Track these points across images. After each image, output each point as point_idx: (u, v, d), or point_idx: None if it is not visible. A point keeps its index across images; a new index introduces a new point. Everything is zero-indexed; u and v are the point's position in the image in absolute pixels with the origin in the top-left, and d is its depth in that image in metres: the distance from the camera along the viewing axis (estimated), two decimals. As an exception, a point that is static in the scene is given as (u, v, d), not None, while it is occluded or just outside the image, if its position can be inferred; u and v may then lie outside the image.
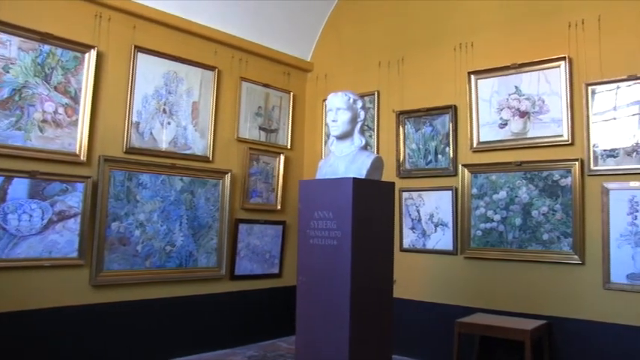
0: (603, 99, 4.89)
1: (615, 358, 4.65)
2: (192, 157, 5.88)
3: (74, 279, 4.95)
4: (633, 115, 4.74)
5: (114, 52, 5.29)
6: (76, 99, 4.97)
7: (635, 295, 4.62)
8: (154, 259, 5.51)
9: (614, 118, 4.83)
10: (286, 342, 6.37)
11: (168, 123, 5.71)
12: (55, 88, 4.86)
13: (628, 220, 4.69)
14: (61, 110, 4.89)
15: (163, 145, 5.65)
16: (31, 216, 4.68)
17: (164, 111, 5.67)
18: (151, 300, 5.47)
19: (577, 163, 4.96)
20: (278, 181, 6.76)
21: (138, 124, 5.45)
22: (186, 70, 5.86)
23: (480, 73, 5.62)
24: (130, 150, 5.37)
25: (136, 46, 5.42)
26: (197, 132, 5.95)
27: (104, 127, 5.20)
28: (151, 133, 5.56)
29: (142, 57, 5.48)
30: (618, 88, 4.82)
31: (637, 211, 4.65)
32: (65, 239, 4.86)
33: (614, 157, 4.81)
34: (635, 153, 4.71)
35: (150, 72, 5.55)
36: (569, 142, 5.04)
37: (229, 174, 6.16)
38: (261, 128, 6.67)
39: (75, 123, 4.96)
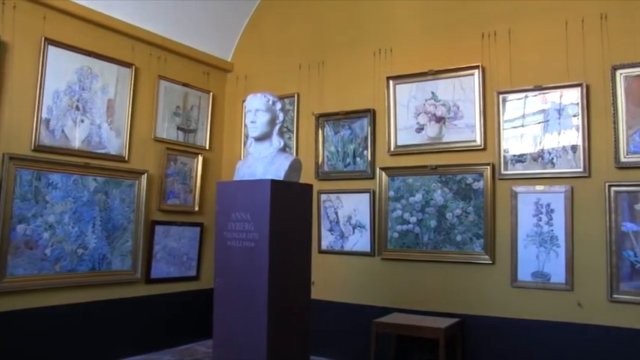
0: (513, 107, 5.13)
1: (523, 350, 4.91)
2: (106, 156, 5.66)
3: (-27, 285, 4.65)
4: (539, 123, 5.01)
5: (21, 43, 4.99)
6: (-23, 92, 4.68)
7: (539, 291, 4.91)
8: (65, 262, 5.25)
9: (523, 125, 5.08)
10: (204, 345, 6.27)
11: (82, 120, 5.47)
12: (-48, 80, 4.55)
13: (533, 222, 4.96)
14: (-42, 104, 4.58)
15: (76, 144, 5.41)
16: None
17: (77, 108, 5.42)
18: (61, 306, 5.21)
19: (489, 167, 5.18)
20: (196, 183, 6.63)
21: (48, 120, 5.18)
22: (102, 66, 5.64)
23: (398, 78, 5.75)
24: (39, 148, 5.09)
25: (46, 39, 5.15)
26: (112, 130, 5.74)
27: (9, 124, 4.90)
28: (63, 131, 5.30)
29: (53, 50, 5.21)
30: (526, 97, 5.08)
31: (542, 213, 4.92)
32: (-37, 243, 4.56)
33: (522, 162, 5.06)
34: (540, 158, 4.97)
35: (62, 67, 5.29)
36: (482, 147, 5.27)
37: (145, 174, 5.99)
38: (179, 128, 6.52)
39: (-24, 118, 4.67)
